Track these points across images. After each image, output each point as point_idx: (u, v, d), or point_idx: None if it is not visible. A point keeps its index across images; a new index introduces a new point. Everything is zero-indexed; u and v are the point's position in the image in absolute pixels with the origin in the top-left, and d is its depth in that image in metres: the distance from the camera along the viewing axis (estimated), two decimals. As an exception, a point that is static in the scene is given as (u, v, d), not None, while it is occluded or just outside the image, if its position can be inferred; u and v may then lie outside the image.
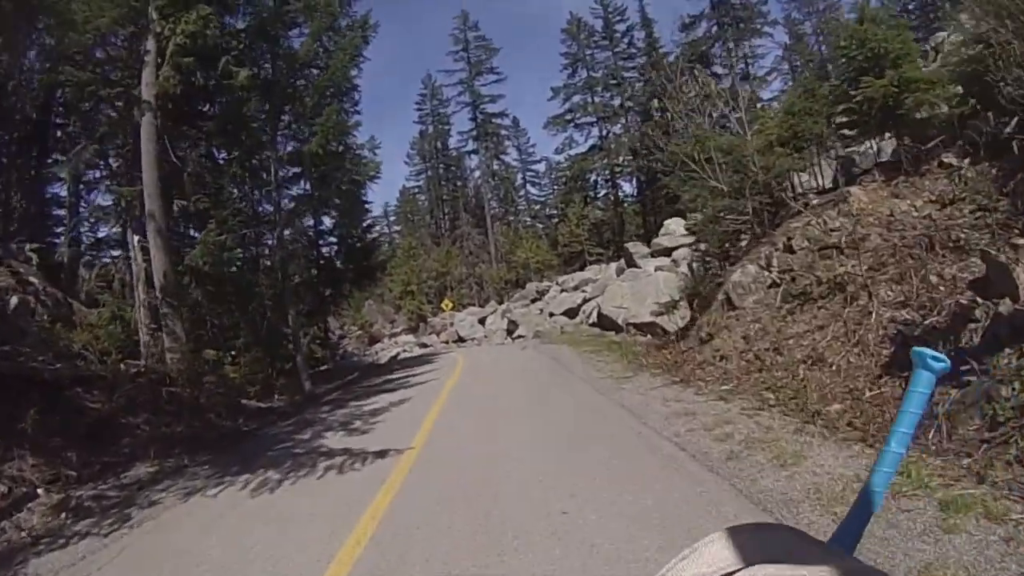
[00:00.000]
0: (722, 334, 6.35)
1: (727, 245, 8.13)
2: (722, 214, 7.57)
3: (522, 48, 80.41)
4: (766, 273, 6.46)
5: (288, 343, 20.09)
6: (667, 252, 17.48)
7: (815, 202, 7.12)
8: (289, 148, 13.09)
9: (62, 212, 15.75)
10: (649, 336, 10.97)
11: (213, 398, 9.94)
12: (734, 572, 0.42)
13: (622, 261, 19.88)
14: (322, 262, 20.97)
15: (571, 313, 19.32)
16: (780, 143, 6.96)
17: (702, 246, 8.76)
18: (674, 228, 18.03)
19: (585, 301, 19.09)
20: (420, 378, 11.29)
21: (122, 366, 10.00)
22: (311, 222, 21.17)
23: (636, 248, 18.74)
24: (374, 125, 55.05)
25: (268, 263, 13.98)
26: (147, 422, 7.69)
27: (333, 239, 21.65)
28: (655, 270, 14.04)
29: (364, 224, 22.04)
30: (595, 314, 15.63)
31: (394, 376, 12.29)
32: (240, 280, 12.63)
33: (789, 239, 6.51)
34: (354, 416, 8.41)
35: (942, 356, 0.55)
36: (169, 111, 11.85)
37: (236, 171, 11.83)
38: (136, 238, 11.50)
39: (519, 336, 20.30)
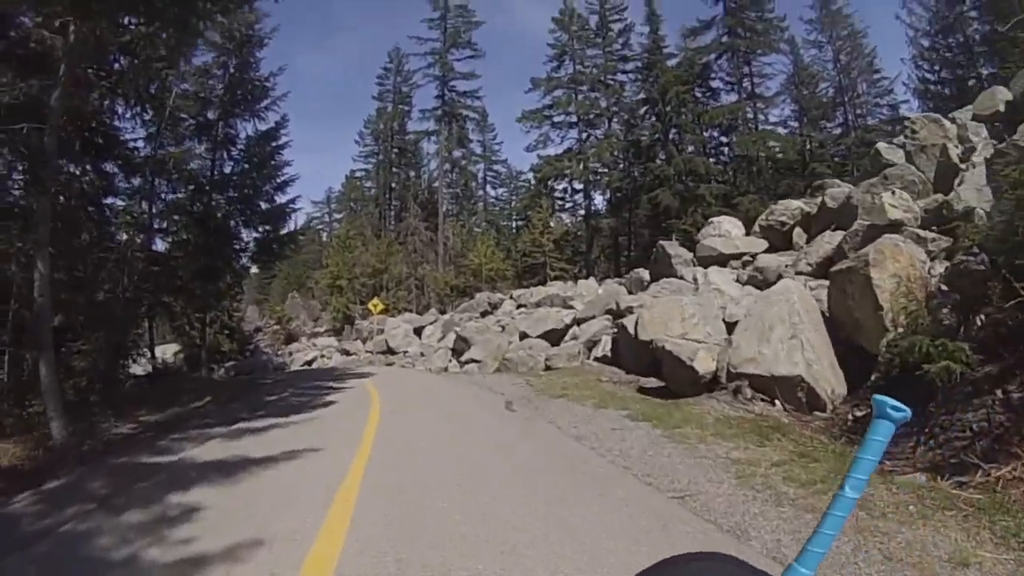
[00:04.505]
0: None
1: None
2: None
3: (497, 53, 75.84)
4: None
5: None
6: (722, 261, 12.77)
7: None
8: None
9: None
10: (778, 403, 5.73)
11: None
12: None
13: (639, 271, 14.62)
14: (213, 226, 14.69)
15: (553, 337, 13.82)
16: None
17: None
18: (729, 229, 13.15)
19: (577, 322, 13.70)
20: (271, 474, 4.72)
21: None
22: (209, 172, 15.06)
23: (676, 251, 13.28)
24: (329, 112, 48.56)
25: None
26: None
27: (233, 193, 15.47)
28: (778, 280, 8.49)
29: (279, 180, 15.91)
30: (608, 345, 10.34)
31: (241, 441, 5.66)
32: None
33: None
34: None
35: (902, 407, 0.55)
36: None
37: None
38: None
39: (471, 361, 14.52)
